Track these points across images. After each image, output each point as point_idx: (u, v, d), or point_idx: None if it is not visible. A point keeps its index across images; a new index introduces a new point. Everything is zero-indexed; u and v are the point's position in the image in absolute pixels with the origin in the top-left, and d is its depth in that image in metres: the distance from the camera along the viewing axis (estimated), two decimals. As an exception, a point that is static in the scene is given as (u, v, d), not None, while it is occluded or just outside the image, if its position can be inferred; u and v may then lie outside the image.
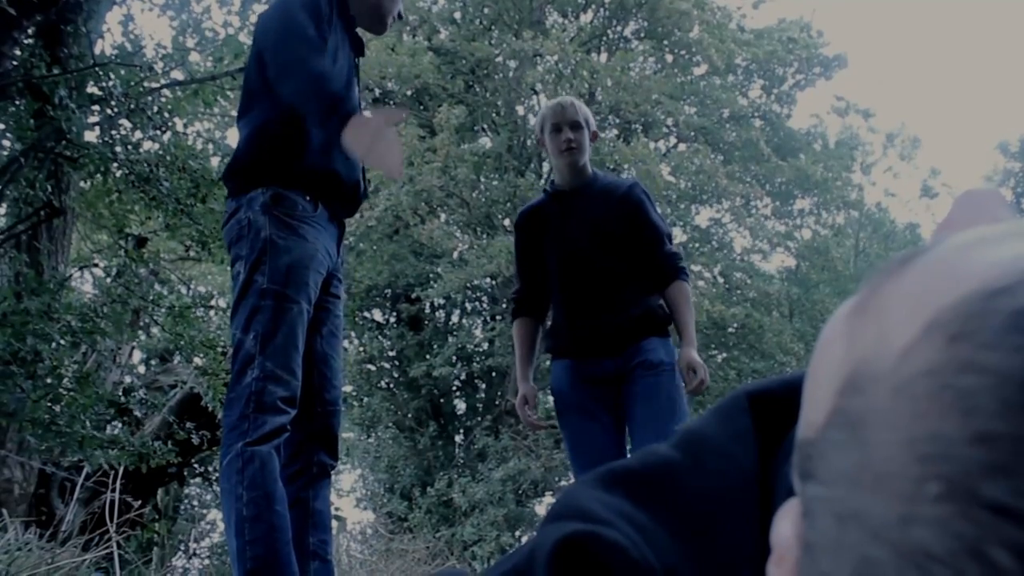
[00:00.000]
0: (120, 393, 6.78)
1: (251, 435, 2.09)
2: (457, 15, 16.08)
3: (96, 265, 7.13)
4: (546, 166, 15.02)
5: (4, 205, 5.43)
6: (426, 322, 15.62)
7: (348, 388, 15.19)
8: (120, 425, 6.10)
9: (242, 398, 2.12)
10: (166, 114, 5.28)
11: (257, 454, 2.08)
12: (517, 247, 3.07)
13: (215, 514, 12.46)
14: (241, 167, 2.33)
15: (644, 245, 2.89)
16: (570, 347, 2.88)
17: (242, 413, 2.11)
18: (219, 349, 5.79)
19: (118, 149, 4.97)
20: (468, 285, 14.23)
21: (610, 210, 2.89)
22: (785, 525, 0.33)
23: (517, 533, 11.55)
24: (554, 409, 2.95)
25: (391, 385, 15.54)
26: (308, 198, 2.32)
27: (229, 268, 2.30)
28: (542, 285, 2.99)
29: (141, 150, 5.16)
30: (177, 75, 5.37)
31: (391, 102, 15.24)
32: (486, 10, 15.87)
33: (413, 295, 14.28)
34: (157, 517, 7.77)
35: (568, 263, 2.91)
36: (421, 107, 15.27)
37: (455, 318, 16.70)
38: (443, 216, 14.49)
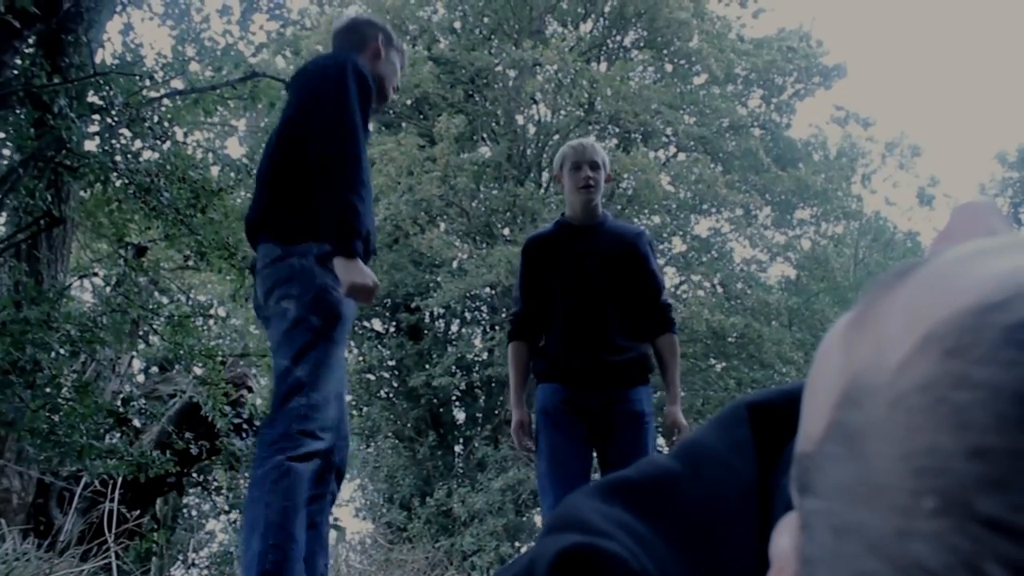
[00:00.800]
0: (119, 403, 6.77)
1: (291, 452, 2.23)
2: (457, 24, 16.12)
3: (96, 274, 7.13)
4: (545, 175, 15.04)
5: (4, 214, 5.44)
6: (425, 332, 15.62)
7: (347, 398, 15.16)
8: (119, 435, 6.09)
9: (287, 419, 2.30)
10: (166, 123, 5.29)
11: (294, 469, 2.22)
12: (522, 271, 3.17)
13: (214, 524, 12.42)
14: (293, 219, 2.48)
15: (643, 293, 3.05)
16: (562, 375, 2.99)
17: (285, 432, 2.28)
18: (218, 359, 5.79)
19: (118, 159, 4.98)
20: (468, 295, 14.24)
21: (617, 253, 3.03)
22: (784, 538, 0.33)
23: (517, 543, 11.52)
24: (536, 425, 3.05)
25: (390, 395, 15.52)
26: None
27: (275, 304, 2.44)
28: (541, 311, 3.10)
29: (141, 160, 5.17)
30: (177, 84, 5.38)
31: (391, 111, 15.28)
32: (486, 19, 15.91)
33: (413, 304, 14.27)
34: (156, 527, 7.75)
35: (573, 295, 3.02)
36: (421, 116, 15.30)
37: (455, 328, 16.70)
38: (443, 225, 14.51)
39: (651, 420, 2.97)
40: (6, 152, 4.96)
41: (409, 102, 15.17)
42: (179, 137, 5.55)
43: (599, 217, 3.11)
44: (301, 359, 2.34)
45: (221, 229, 5.45)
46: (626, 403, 2.94)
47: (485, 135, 15.90)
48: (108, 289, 6.37)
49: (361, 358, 15.03)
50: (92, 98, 4.96)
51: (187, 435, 5.84)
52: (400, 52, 2.79)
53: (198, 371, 6.14)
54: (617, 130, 15.35)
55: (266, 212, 2.51)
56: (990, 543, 0.24)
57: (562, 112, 14.87)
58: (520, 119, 15.68)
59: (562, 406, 2.95)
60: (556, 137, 14.90)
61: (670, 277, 16.31)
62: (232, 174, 5.83)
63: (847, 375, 0.30)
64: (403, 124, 15.19)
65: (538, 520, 12.37)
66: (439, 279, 13.69)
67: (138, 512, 5.76)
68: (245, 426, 6.97)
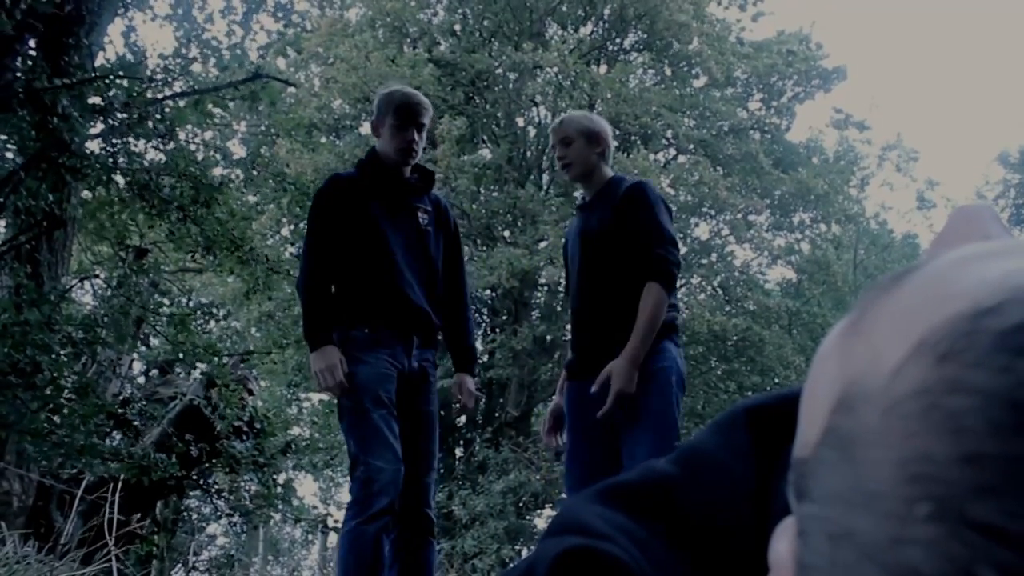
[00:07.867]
0: (119, 404, 6.76)
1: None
2: (457, 27, 16.13)
3: (97, 276, 7.13)
4: (546, 177, 15.05)
5: (5, 216, 5.43)
6: (426, 334, 15.57)
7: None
8: (119, 436, 6.09)
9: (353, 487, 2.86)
10: (168, 123, 5.29)
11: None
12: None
13: (215, 527, 12.40)
14: None
15: (635, 247, 2.71)
16: (571, 369, 2.87)
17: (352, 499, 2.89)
18: (223, 356, 5.79)
19: (120, 159, 4.98)
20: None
21: (605, 216, 2.77)
22: (782, 544, 0.33)
23: (517, 546, 11.51)
24: None
25: (391, 396, 15.47)
26: None
27: None
28: None
29: (145, 160, 5.17)
30: (179, 86, 5.38)
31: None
32: (486, 22, 15.91)
33: (413, 307, 14.23)
34: (156, 530, 7.75)
35: (571, 282, 2.93)
36: (421, 119, 15.27)
37: (455, 329, 16.64)
38: (443, 227, 14.49)
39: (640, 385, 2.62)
40: (8, 154, 4.97)
41: (410, 104, 15.14)
42: (181, 137, 5.55)
43: (601, 185, 2.85)
44: (348, 436, 2.79)
45: (226, 225, 5.44)
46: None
47: (486, 137, 15.90)
48: (109, 291, 6.36)
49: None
50: (93, 99, 4.96)
51: (187, 437, 5.84)
52: (391, 108, 2.87)
53: (202, 367, 6.10)
54: (617, 132, 15.31)
55: None
56: (984, 549, 0.24)
57: (562, 114, 14.85)
58: (521, 121, 15.68)
59: (573, 407, 2.81)
60: (557, 139, 14.88)
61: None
62: (237, 172, 5.84)
63: (842, 381, 0.30)
64: (404, 126, 15.17)
65: (539, 523, 12.36)
66: (440, 281, 13.66)
67: (139, 515, 5.76)
68: (245, 428, 6.97)
